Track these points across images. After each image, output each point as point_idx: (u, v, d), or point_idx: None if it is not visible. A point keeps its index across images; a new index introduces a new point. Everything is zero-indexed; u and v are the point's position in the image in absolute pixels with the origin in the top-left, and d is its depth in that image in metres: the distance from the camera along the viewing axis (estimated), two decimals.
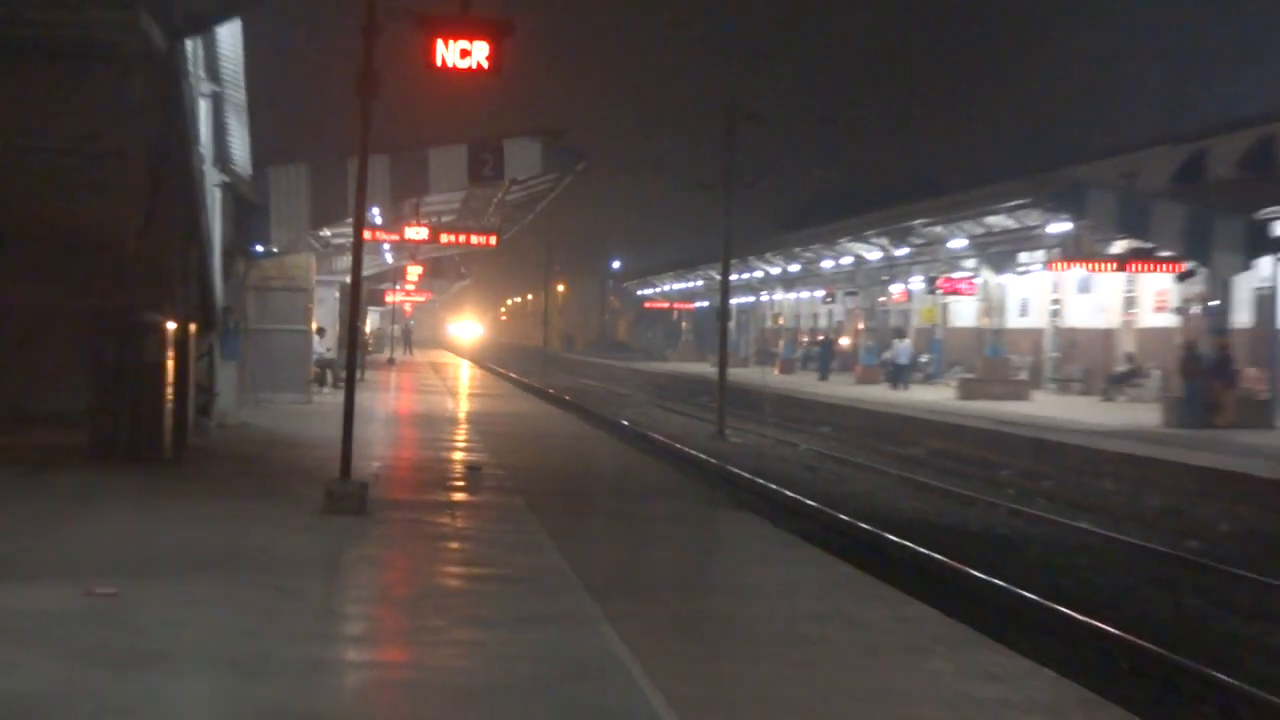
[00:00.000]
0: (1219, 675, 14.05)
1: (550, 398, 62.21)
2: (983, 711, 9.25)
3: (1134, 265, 44.22)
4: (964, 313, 68.19)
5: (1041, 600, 17.70)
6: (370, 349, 68.16)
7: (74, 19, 19.52)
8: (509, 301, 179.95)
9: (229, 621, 11.04)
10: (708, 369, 62.56)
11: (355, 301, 21.59)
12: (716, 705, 8.99)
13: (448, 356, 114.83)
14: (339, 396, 21.39)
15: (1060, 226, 48.00)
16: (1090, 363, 55.84)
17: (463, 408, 45.89)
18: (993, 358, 59.62)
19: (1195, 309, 42.08)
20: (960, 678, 10.22)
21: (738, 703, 9.22)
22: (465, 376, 78.11)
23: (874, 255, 69.41)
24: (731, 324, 66.35)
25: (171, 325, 22.75)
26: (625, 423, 48.82)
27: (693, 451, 38.52)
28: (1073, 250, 48.59)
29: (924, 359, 67.51)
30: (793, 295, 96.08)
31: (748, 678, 10.03)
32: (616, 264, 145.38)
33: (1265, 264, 41.48)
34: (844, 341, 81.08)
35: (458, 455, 27.00)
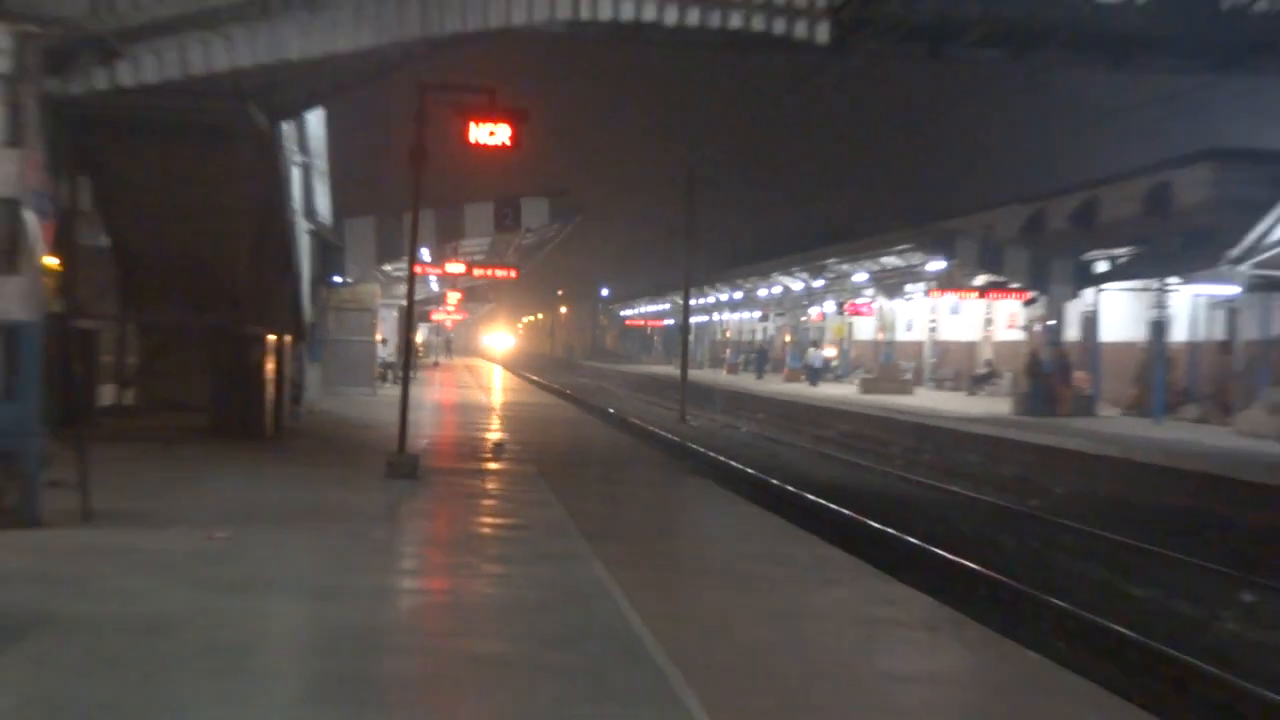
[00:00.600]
0: (1053, 600, 14.13)
1: (554, 391, 62.12)
2: (877, 626, 9.30)
3: (991, 294, 44.42)
4: (864, 329, 68.44)
5: (922, 544, 17.80)
6: (420, 355, 68.10)
7: (203, 107, 19.52)
8: (525, 319, 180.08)
9: (313, 558, 11.04)
10: (672, 370, 62.38)
11: (409, 319, 21.82)
12: (678, 619, 9.01)
13: (479, 362, 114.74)
14: (396, 390, 21.42)
15: (936, 265, 48.07)
16: (959, 367, 55.91)
17: (489, 399, 45.79)
18: (885, 363, 60.20)
19: (1037, 327, 42.13)
20: (862, 602, 10.25)
21: (694, 618, 9.27)
22: (491, 376, 77.89)
23: (797, 286, 69.53)
24: (691, 336, 66.54)
25: (271, 337, 22.78)
26: (611, 410, 48.64)
27: (661, 432, 38.41)
28: (946, 282, 48.66)
29: (834, 363, 67.68)
30: (737, 315, 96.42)
31: (702, 599, 10.07)
32: (605, 291, 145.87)
33: (1089, 294, 41.79)
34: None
35: (485, 434, 26.96)
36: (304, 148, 27.93)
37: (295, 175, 26.35)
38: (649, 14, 14.37)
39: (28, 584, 9.43)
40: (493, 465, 20.31)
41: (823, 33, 14.67)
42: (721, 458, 30.55)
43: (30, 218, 12.15)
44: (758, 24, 14.63)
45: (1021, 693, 7.73)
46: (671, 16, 14.35)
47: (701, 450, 32.34)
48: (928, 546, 17.60)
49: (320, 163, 30.38)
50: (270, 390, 22.68)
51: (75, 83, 13.22)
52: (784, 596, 10.47)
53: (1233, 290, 35.00)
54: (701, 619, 9.29)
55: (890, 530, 19.06)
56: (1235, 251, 33.17)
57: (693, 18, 14.36)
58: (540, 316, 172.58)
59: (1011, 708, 7.48)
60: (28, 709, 6.41)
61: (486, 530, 13.38)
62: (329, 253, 33.54)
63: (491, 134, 17.17)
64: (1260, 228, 32.59)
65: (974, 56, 21.75)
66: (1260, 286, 33.59)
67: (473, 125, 17.19)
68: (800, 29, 14.66)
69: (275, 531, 12.39)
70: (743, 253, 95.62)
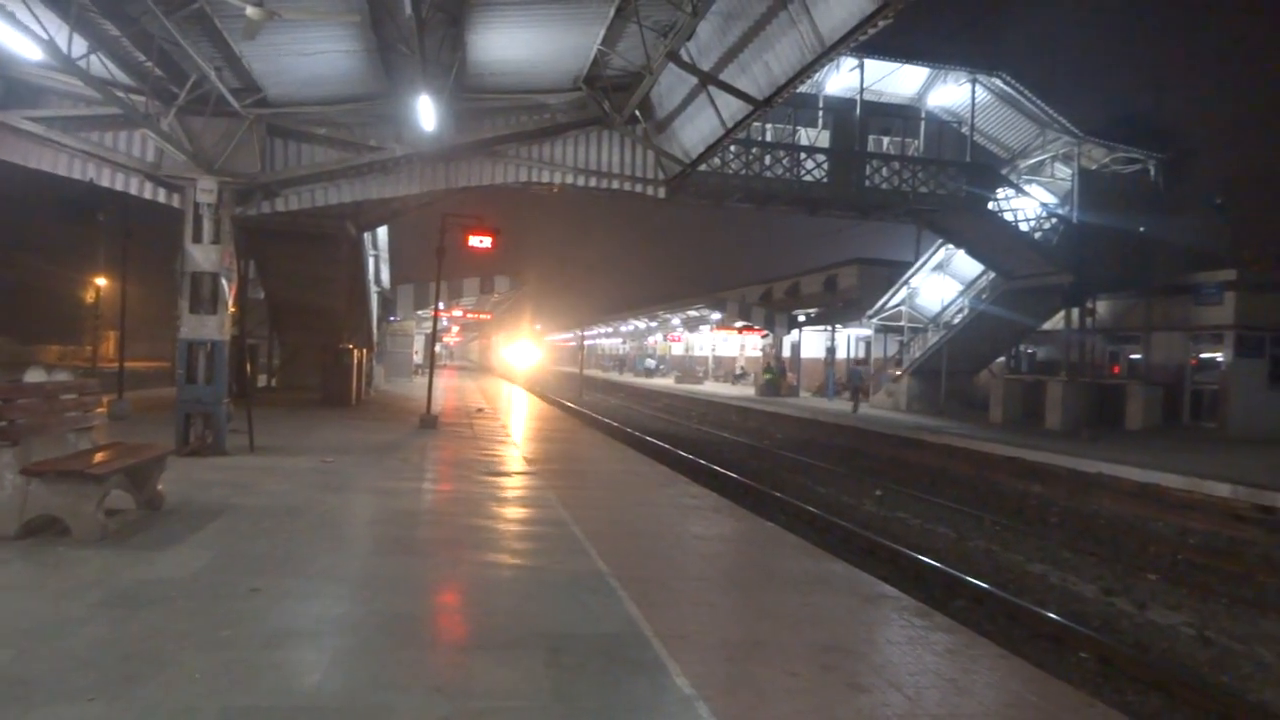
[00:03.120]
0: (778, 493, 14.36)
1: (521, 385, 61.32)
2: (687, 510, 9.33)
3: (744, 331, 44.93)
4: (677, 349, 68.67)
5: (708, 463, 17.95)
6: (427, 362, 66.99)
7: (318, 224, 19.11)
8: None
9: (378, 472, 10.78)
10: (589, 372, 62.46)
11: (433, 340, 21.27)
12: (576, 504, 8.97)
13: (472, 368, 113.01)
14: (424, 379, 21.09)
15: (716, 315, 48.55)
16: (726, 369, 56.64)
17: (476, 384, 45.10)
18: (689, 367, 60.51)
19: (769, 349, 43.02)
20: (678, 496, 10.31)
21: (585, 501, 9.21)
22: (478, 378, 76.76)
23: (642, 324, 69.66)
24: (586, 353, 66.43)
25: (355, 350, 22.35)
26: (551, 394, 48.23)
27: (570, 404, 38.28)
28: (721, 324, 49.22)
29: (661, 367, 68.08)
30: (609, 340, 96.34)
31: (592, 496, 10.01)
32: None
33: (795, 332, 42.69)
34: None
35: (474, 403, 26.57)
36: (375, 245, 27.44)
37: (370, 262, 25.91)
38: (570, 180, 14.34)
39: (220, 487, 9.12)
40: (479, 421, 20.02)
41: (661, 192, 14.77)
42: (600, 416, 30.49)
43: (223, 283, 11.77)
44: (627, 186, 14.69)
45: (762, 543, 7.85)
46: (581, 181, 14.34)
47: (588, 413, 32.27)
48: (710, 464, 17.79)
49: (384, 254, 29.88)
50: (354, 379, 22.22)
51: (250, 209, 12.83)
52: (636, 491, 10.49)
53: (868, 332, 36.30)
54: (590, 504, 9.27)
55: (688, 455, 19.23)
56: (870, 312, 34.46)
57: (593, 182, 14.37)
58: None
59: (756, 549, 7.58)
60: (222, 556, 6.22)
61: (478, 457, 13.20)
62: (386, 303, 33.11)
63: (481, 241, 16.99)
64: (881, 300, 33.88)
65: (738, 206, 22.15)
66: (882, 330, 35.06)
67: (471, 237, 17.00)
68: (650, 189, 14.75)
69: (357, 457, 12.08)
70: (614, 304, 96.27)
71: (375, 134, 12.96)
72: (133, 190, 12.29)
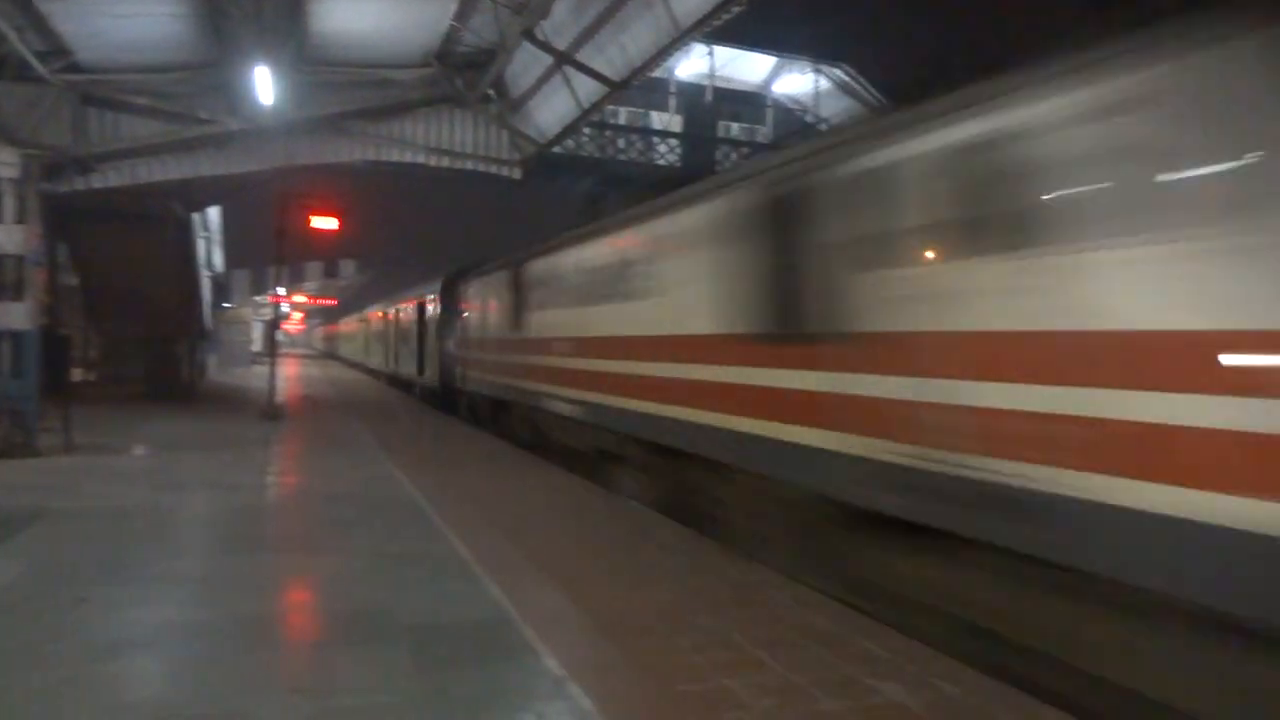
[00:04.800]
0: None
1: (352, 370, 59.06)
2: (528, 488, 9.25)
3: None
4: None
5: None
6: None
7: (140, 203, 17.71)
8: None
9: (217, 468, 10.11)
10: None
11: (272, 328, 20.23)
12: (431, 487, 8.73)
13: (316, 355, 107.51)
14: (264, 368, 20.01)
15: None
16: None
17: (321, 372, 43.15)
18: None
19: None
20: (517, 465, 10.21)
21: (438, 483, 8.94)
22: (324, 365, 73.40)
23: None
24: None
25: (185, 339, 20.99)
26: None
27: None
28: None
29: None
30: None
31: (443, 476, 9.79)
32: None
33: None
34: None
35: (317, 392, 25.38)
36: (206, 227, 25.71)
37: (201, 245, 24.28)
38: (420, 159, 13.92)
39: (33, 490, 8.31)
40: (324, 410, 19.15)
41: (517, 173, 14.58)
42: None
43: (30, 267, 10.74)
44: (481, 167, 14.43)
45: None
46: (433, 161, 13.95)
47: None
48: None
49: (216, 235, 28.03)
50: (184, 369, 20.86)
51: (63, 185, 11.72)
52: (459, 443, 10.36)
53: None
54: (443, 485, 9.03)
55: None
56: None
57: (445, 162, 14.00)
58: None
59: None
60: (39, 565, 5.68)
61: (322, 445, 12.62)
62: (221, 289, 31.23)
63: (325, 222, 16.25)
64: None
65: (594, 190, 22.12)
66: None
67: (314, 218, 16.21)
68: (505, 170, 14.54)
69: (192, 452, 11.28)
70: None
71: (206, 106, 12.10)
72: None
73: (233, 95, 11.99)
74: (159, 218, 19.02)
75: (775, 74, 24.93)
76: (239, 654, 4.22)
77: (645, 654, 4.34)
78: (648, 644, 4.48)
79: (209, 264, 27.50)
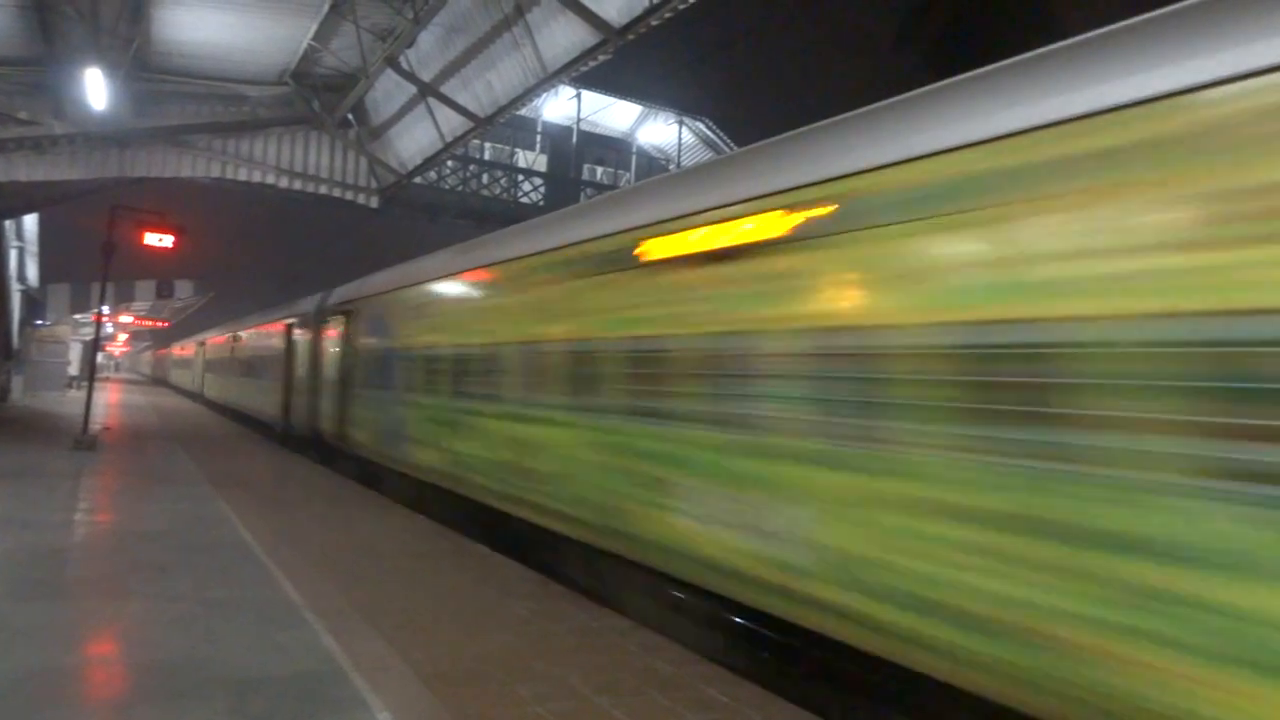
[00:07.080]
0: None
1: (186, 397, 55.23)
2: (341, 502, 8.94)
3: None
4: None
5: None
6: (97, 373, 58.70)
7: None
8: None
9: (17, 502, 9.16)
10: None
11: (94, 349, 18.59)
12: (264, 528, 8.26)
13: (143, 381, 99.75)
14: (82, 393, 18.31)
15: None
16: None
17: (145, 399, 40.04)
18: None
19: None
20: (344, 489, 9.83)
21: (273, 523, 8.49)
22: (149, 392, 68.10)
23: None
24: None
25: None
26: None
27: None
28: None
29: None
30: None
31: (280, 516, 9.27)
32: None
33: None
34: None
35: (140, 420, 23.51)
36: (20, 236, 23.53)
37: (13, 255, 22.17)
38: (271, 180, 13.32)
39: None
40: (149, 440, 17.75)
41: (374, 201, 14.17)
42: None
43: None
44: (337, 192, 13.96)
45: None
46: (284, 182, 13.37)
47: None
48: None
49: (32, 246, 25.69)
50: None
51: None
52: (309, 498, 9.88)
53: None
54: (279, 529, 8.56)
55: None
56: None
57: (297, 185, 13.45)
58: None
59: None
60: None
61: (140, 482, 11.66)
62: (34, 305, 28.56)
63: (160, 240, 15.17)
64: None
65: (454, 222, 21.84)
66: None
67: (147, 234, 15.12)
68: (362, 198, 14.12)
69: None
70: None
71: (27, 105, 11.15)
72: None
73: (60, 97, 11.11)
74: None
75: (641, 122, 25.56)
76: (26, 716, 3.78)
77: (483, 703, 4.21)
78: (486, 692, 4.35)
79: (21, 276, 25.22)
